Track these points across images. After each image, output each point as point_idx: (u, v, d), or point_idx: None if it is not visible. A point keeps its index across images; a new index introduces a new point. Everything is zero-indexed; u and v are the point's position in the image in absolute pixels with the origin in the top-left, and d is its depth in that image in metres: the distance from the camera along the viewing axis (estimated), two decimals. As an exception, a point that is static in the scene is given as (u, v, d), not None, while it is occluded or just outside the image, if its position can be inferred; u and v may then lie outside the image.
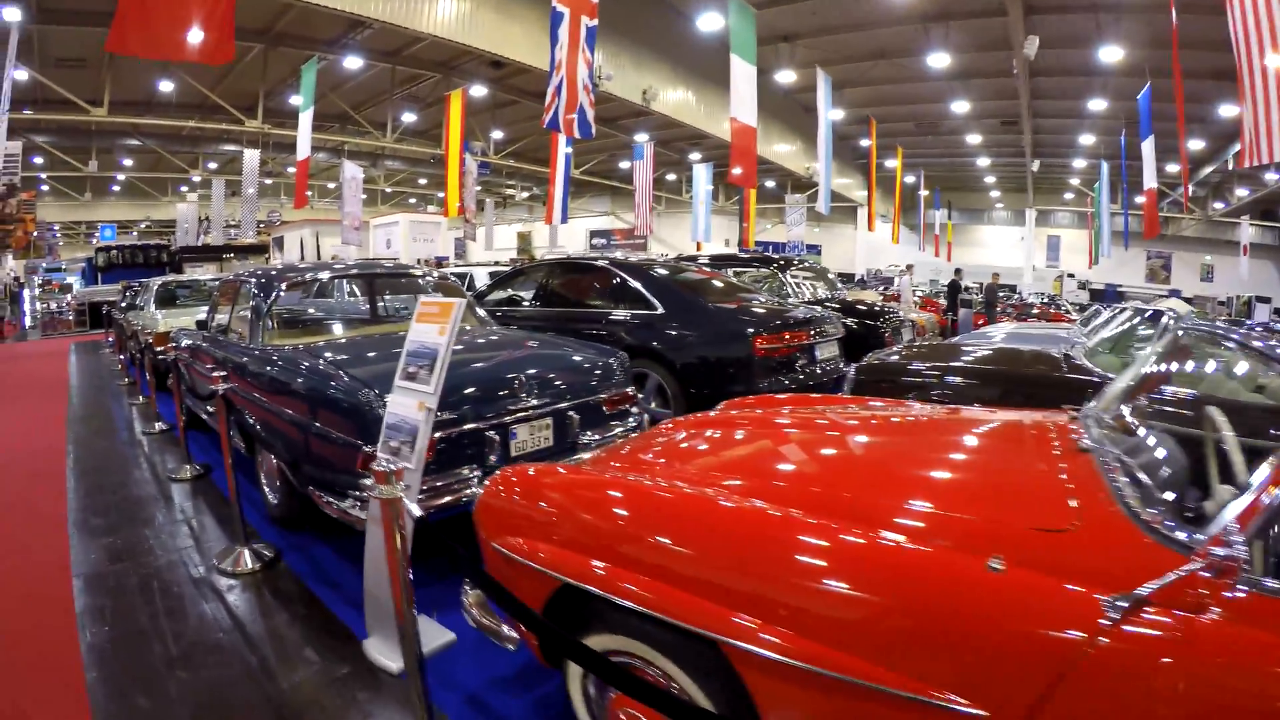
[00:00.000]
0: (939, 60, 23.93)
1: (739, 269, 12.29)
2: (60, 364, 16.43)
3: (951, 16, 22.05)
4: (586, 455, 3.88)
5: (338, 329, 7.03)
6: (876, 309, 11.81)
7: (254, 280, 6.27)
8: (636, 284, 8.09)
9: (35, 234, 25.85)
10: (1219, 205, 38.12)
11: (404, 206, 45.89)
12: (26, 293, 26.69)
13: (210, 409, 6.86)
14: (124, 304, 16.73)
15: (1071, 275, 39.20)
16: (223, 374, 5.00)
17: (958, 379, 6.42)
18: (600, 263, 8.84)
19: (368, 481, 4.07)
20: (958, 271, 21.60)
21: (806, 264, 13.14)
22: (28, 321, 26.09)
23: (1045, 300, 29.52)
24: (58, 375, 14.43)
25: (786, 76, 25.43)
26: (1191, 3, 15.79)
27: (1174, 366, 4.04)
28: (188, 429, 7.26)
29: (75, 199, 39.88)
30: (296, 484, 4.92)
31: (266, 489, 5.67)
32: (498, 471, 3.17)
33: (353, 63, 23.74)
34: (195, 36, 9.31)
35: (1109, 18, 20.63)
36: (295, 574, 4.79)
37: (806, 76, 24.80)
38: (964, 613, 1.95)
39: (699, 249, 29.40)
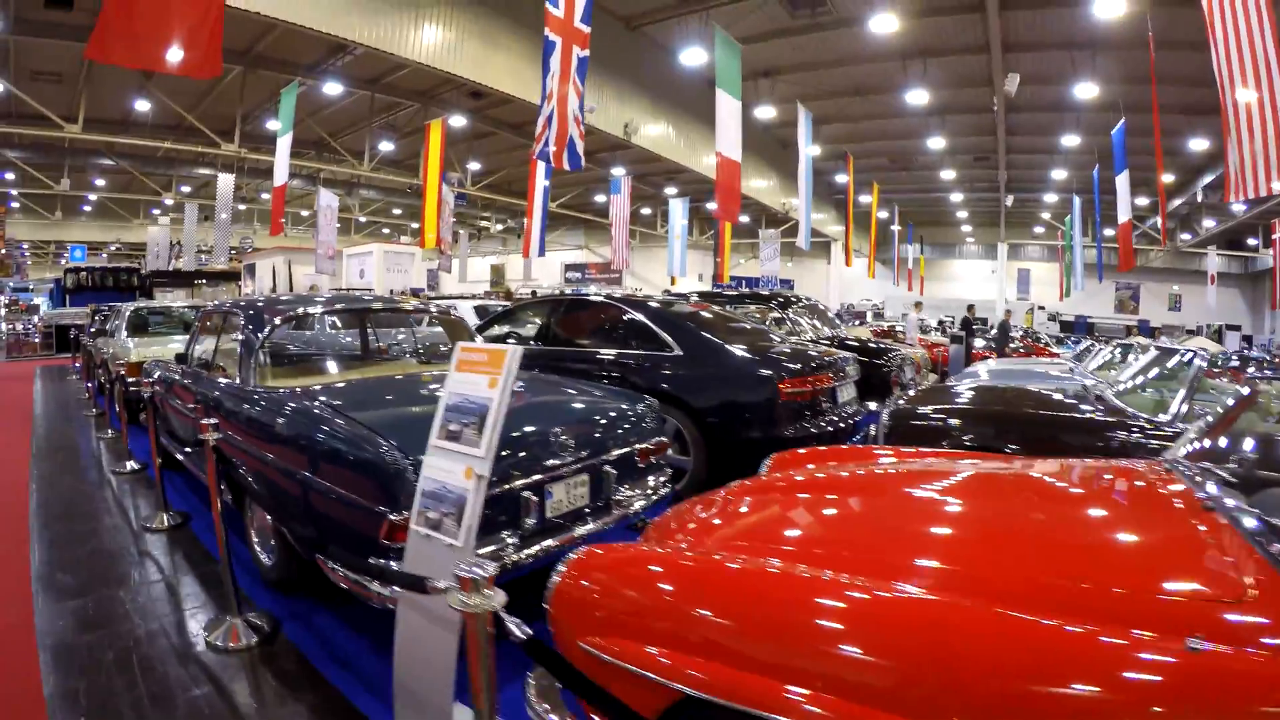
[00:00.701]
0: (917, 97, 23.81)
1: (738, 307, 11.76)
2: (25, 389, 15.54)
3: (930, 54, 21.92)
4: (644, 527, 3.38)
5: (335, 369, 6.38)
6: (880, 347, 11.34)
7: (244, 313, 5.64)
8: (650, 323, 7.56)
9: (3, 252, 24.87)
10: (1186, 236, 38.45)
11: (377, 236, 44.99)
12: (-10, 313, 25.69)
13: (188, 450, 6.26)
14: (93, 329, 15.95)
15: (1042, 308, 39.27)
16: (212, 421, 4.37)
17: (994, 425, 6.09)
18: (610, 300, 8.33)
19: (387, 558, 3.58)
20: (970, 308, 21.30)
21: (805, 301, 12.63)
22: (-8, 343, 25.08)
23: (1022, 333, 29.25)
24: (22, 402, 13.60)
25: (766, 112, 25.12)
26: (1164, 40, 15.72)
27: (1243, 411, 3.70)
28: (163, 470, 6.55)
29: (45, 217, 38.74)
30: (299, 548, 4.33)
31: (258, 546, 5.02)
32: (575, 553, 2.70)
33: (332, 89, 23.16)
34: (181, 48, 8.60)
35: (1084, 55, 20.62)
36: (298, 650, 4.13)
37: (786, 112, 24.57)
38: (1186, 704, 1.66)
39: (673, 283, 29.06)
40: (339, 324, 8.75)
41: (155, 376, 7.08)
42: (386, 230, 48.69)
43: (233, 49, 21.27)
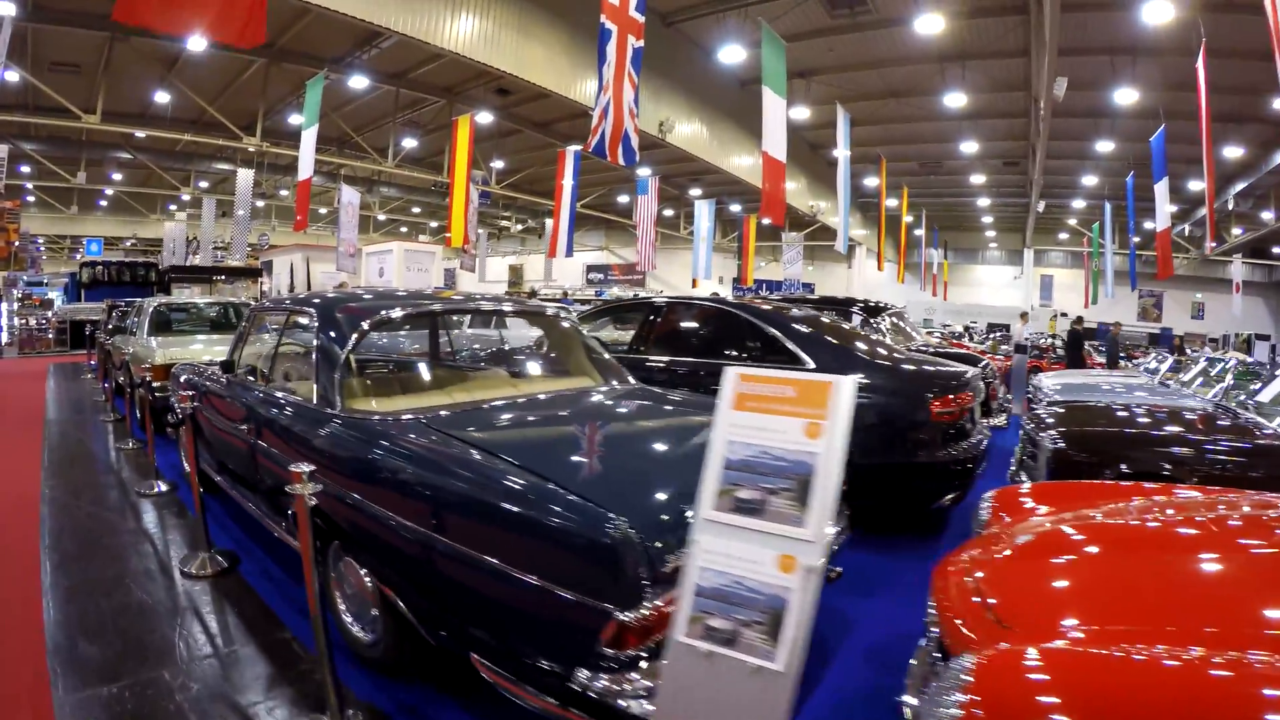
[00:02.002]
0: (953, 100, 22.72)
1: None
2: (37, 389, 14.26)
3: (969, 56, 20.85)
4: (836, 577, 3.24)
5: (443, 387, 4.68)
6: (973, 357, 10.13)
7: (321, 312, 4.45)
8: (775, 331, 6.40)
9: (17, 244, 23.60)
10: (1212, 244, 36.91)
11: (395, 235, 43.75)
12: (4, 307, 24.25)
13: (239, 478, 5.08)
14: (110, 325, 14.74)
15: (1064, 314, 37.94)
16: (306, 469, 3.03)
17: (1181, 450, 5.20)
18: (724, 305, 7.17)
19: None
20: (1079, 320, 20.36)
21: (893, 309, 11.40)
22: (4, 338, 23.68)
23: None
24: (34, 404, 12.29)
25: (799, 113, 23.93)
26: (1208, 46, 14.71)
27: None
28: (205, 497, 5.35)
29: (61, 212, 37.50)
30: (428, 635, 3.16)
31: (348, 613, 3.80)
32: (980, 659, 1.88)
33: (358, 83, 21.94)
34: (219, 13, 7.33)
35: (1125, 60, 19.72)
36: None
37: (819, 114, 23.64)
38: None
39: (695, 286, 27.98)
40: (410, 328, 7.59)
41: (190, 385, 5.88)
42: (405, 229, 47.37)
43: None
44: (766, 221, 35.84)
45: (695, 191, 33.16)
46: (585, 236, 44.89)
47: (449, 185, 20.79)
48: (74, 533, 5.72)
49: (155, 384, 8.33)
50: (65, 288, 28.76)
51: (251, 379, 5.15)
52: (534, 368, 5.78)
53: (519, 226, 42.22)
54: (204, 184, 33.78)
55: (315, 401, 4.07)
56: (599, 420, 4.12)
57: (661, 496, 2.87)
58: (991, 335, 31.79)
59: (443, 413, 3.77)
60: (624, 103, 12.44)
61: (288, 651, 3.91)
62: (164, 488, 6.84)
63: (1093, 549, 2.73)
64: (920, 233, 34.89)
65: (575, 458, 3.34)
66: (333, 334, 4.21)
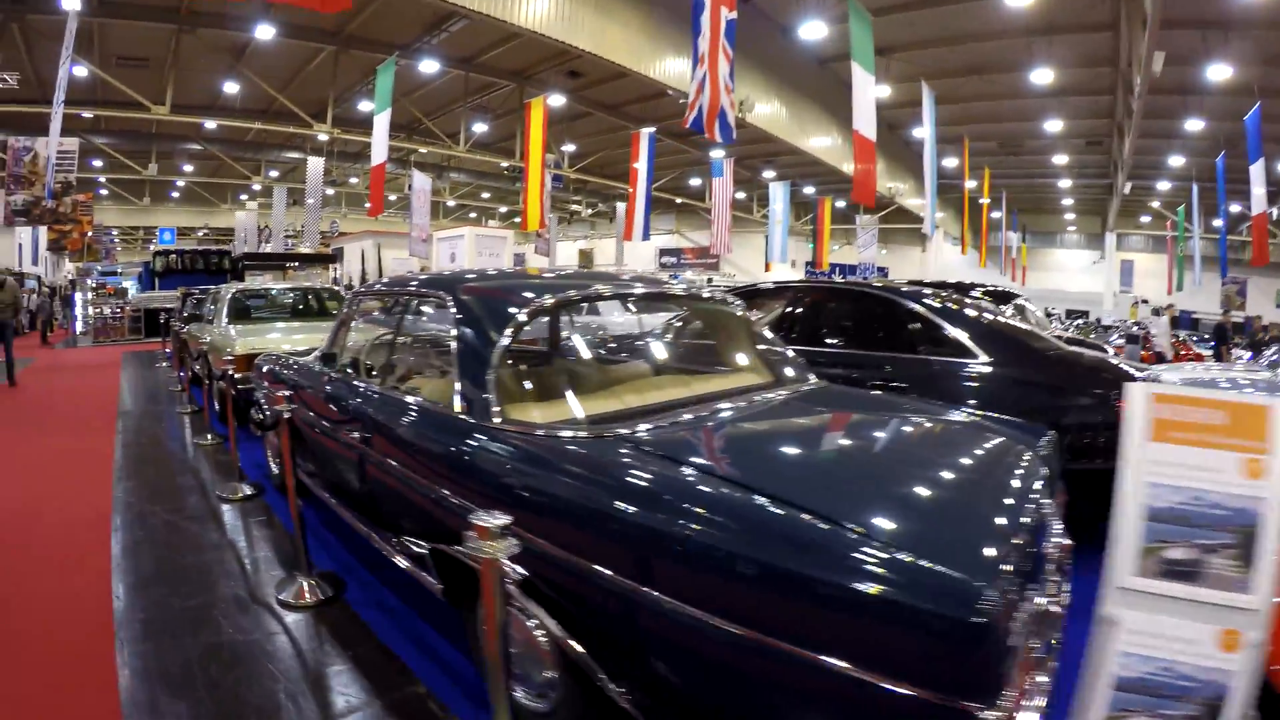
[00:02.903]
0: (1039, 76, 21.41)
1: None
2: (110, 379, 13.67)
3: (1056, 30, 19.59)
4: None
5: (621, 392, 3.54)
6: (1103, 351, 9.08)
7: (463, 296, 3.56)
8: (943, 321, 5.41)
9: (89, 234, 23.26)
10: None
11: (465, 221, 43.14)
12: (78, 296, 23.91)
13: (340, 489, 4.34)
14: (185, 313, 14.10)
15: (1145, 301, 36.13)
16: (500, 522, 2.02)
17: None
18: (881, 291, 6.13)
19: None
20: (1227, 312, 19.28)
21: (1017, 297, 10.29)
22: (78, 327, 23.35)
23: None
24: (106, 395, 11.65)
25: (878, 91, 22.76)
26: None
27: None
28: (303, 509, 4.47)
29: (134, 204, 37.41)
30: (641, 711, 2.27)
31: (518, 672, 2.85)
32: None
33: (428, 67, 21.25)
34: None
35: (1217, 34, 18.33)
36: None
37: (898, 93, 22.52)
38: None
39: (768, 270, 26.99)
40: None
41: (279, 379, 5.06)
42: (473, 215, 46.67)
43: (324, 29, 20.05)
44: (841, 204, 35.17)
45: (769, 173, 31.97)
46: (656, 220, 42.95)
47: (523, 169, 20.08)
48: (150, 548, 4.92)
49: (238, 376, 7.57)
50: (139, 276, 28.49)
51: (361, 375, 4.32)
52: (694, 361, 4.78)
53: (589, 211, 41.33)
54: (274, 173, 33.42)
55: (457, 409, 3.18)
56: (837, 432, 3.21)
57: (976, 538, 1.92)
58: (1076, 322, 30.34)
59: (641, 428, 2.83)
60: (720, 77, 11.74)
61: (424, 713, 3.06)
62: (248, 491, 6.04)
63: None
64: (997, 215, 33.42)
65: (850, 488, 2.35)
66: (482, 325, 3.31)
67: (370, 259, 29.12)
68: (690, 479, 2.32)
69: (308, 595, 4.10)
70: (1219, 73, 19.51)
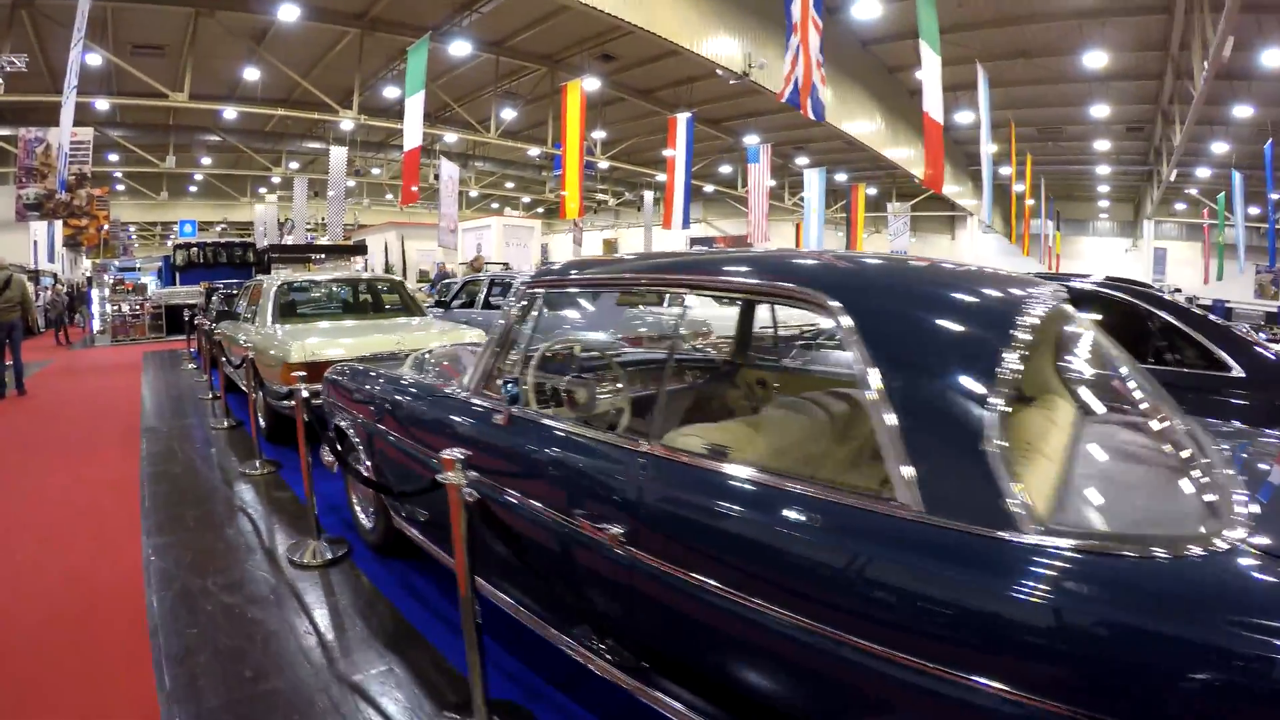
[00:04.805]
0: (1091, 60, 19.83)
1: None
2: (131, 384, 11.84)
3: (1109, 13, 18.12)
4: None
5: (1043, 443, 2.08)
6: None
7: (880, 304, 2.09)
8: (1192, 330, 4.51)
9: (106, 228, 21.52)
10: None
11: (488, 211, 41.26)
12: (96, 293, 22.08)
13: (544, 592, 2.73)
14: (215, 310, 12.37)
15: (1178, 290, 34.30)
16: None
17: None
18: (1108, 291, 4.94)
19: None
20: None
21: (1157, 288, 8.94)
22: (96, 325, 21.50)
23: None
24: (128, 406, 9.82)
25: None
26: None
27: None
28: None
29: (151, 198, 35.39)
30: None
31: None
32: None
33: (458, 49, 19.36)
34: None
35: (1271, 19, 16.99)
36: None
37: (950, 75, 20.78)
38: None
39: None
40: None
41: (393, 411, 3.38)
42: (496, 205, 44.55)
43: (348, 11, 18.47)
44: (872, 191, 33.39)
45: (802, 160, 30.23)
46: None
47: (560, 155, 18.48)
48: (208, 663, 3.20)
49: (285, 388, 5.85)
50: (159, 272, 26.73)
51: (597, 420, 2.73)
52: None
53: (614, 201, 39.41)
54: (294, 164, 31.56)
55: (916, 505, 1.69)
56: None
57: None
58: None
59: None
60: (811, 51, 10.61)
61: None
62: (327, 551, 4.29)
63: None
64: (1032, 202, 31.52)
65: None
66: (951, 361, 1.86)
67: (394, 251, 27.31)
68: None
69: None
70: (1273, 58, 18.16)
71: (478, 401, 3.08)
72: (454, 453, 2.32)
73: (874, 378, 1.82)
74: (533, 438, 2.71)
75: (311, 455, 4.45)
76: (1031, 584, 1.47)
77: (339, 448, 4.14)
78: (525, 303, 3.11)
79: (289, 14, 16.63)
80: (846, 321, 1.94)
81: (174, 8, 17.01)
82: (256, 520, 5.10)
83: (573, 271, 3.13)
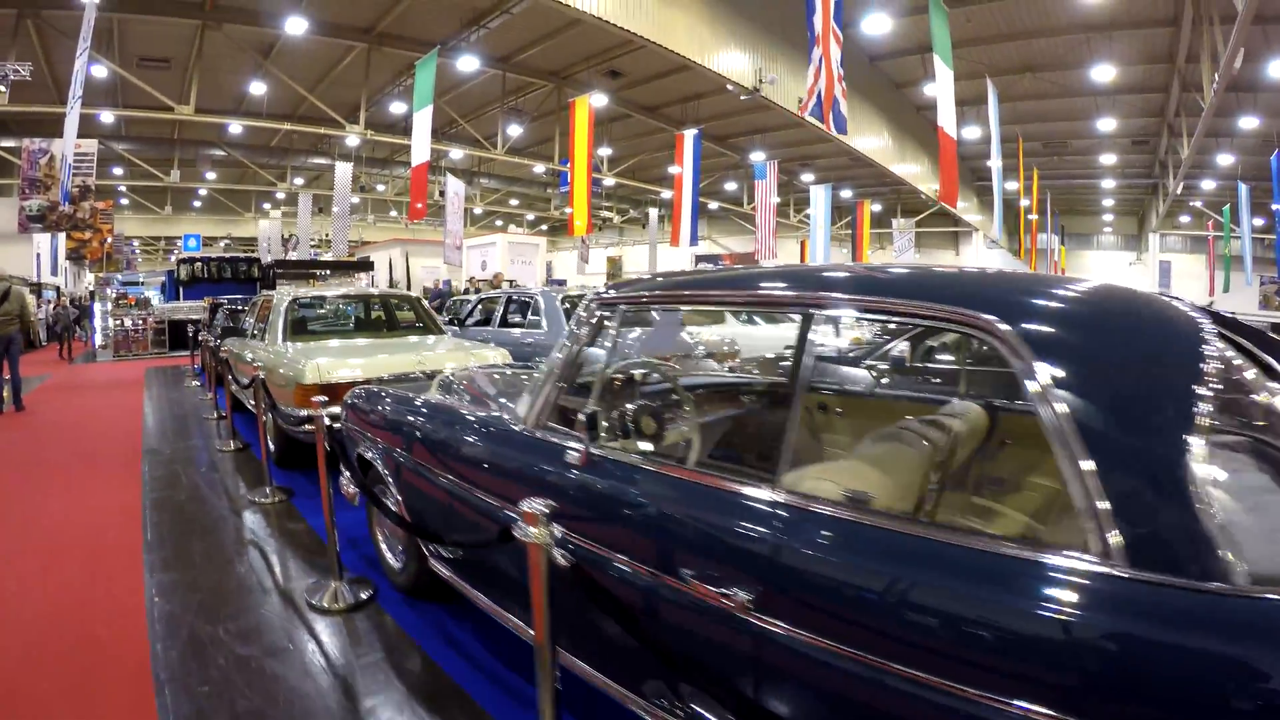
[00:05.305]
0: (1101, 74, 19.51)
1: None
2: (132, 401, 11.40)
3: (1117, 27, 17.83)
4: None
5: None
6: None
7: (1055, 325, 1.71)
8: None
9: (109, 241, 21.17)
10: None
11: (491, 228, 40.90)
12: (98, 307, 21.63)
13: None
14: (219, 326, 11.98)
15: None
16: None
17: None
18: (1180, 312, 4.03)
19: None
20: None
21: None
22: (98, 340, 21.04)
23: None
24: (128, 425, 9.38)
25: (929, 90, 20.97)
26: None
27: None
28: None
29: (155, 213, 34.88)
30: None
31: None
32: None
33: (466, 64, 19.15)
34: None
35: (1278, 29, 16.84)
36: None
37: (956, 90, 20.57)
38: None
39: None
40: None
41: (419, 434, 3.00)
42: (499, 222, 44.21)
43: (356, 25, 18.23)
44: (877, 208, 33.09)
45: (807, 176, 30.08)
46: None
47: (567, 171, 18.19)
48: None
49: (303, 412, 5.43)
50: (162, 286, 26.27)
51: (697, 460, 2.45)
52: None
53: (619, 218, 39.04)
54: (299, 180, 31.21)
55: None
56: None
57: None
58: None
59: None
60: (833, 64, 10.52)
61: None
62: (352, 595, 3.87)
63: None
64: (1036, 217, 31.37)
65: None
66: (1148, 395, 1.57)
67: (399, 268, 26.93)
68: None
69: None
70: (1280, 69, 17.94)
71: (542, 435, 2.68)
72: (535, 504, 1.91)
73: (1062, 415, 1.51)
74: (623, 482, 2.29)
75: (331, 485, 4.03)
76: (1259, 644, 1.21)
77: (363, 479, 3.73)
78: (596, 321, 2.71)
79: (296, 28, 16.36)
80: (1026, 352, 1.61)
81: (181, 20, 16.73)
82: (269, 555, 4.70)
83: (659, 286, 2.73)
